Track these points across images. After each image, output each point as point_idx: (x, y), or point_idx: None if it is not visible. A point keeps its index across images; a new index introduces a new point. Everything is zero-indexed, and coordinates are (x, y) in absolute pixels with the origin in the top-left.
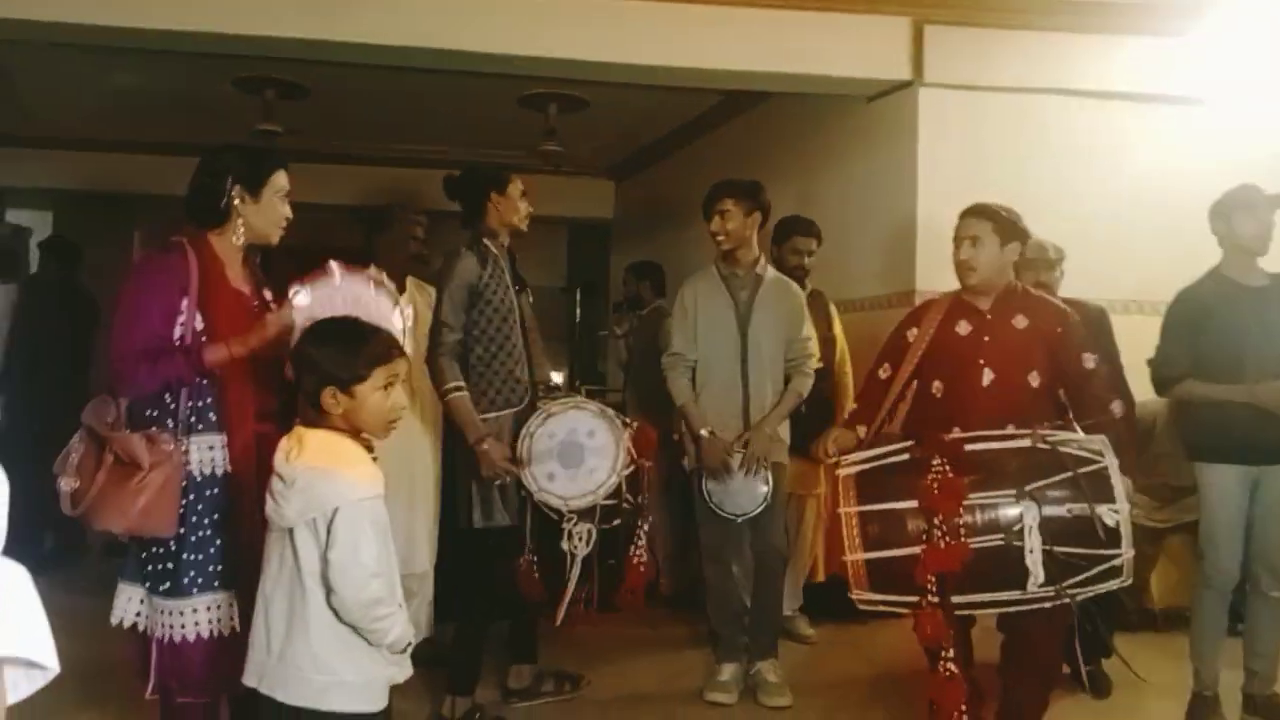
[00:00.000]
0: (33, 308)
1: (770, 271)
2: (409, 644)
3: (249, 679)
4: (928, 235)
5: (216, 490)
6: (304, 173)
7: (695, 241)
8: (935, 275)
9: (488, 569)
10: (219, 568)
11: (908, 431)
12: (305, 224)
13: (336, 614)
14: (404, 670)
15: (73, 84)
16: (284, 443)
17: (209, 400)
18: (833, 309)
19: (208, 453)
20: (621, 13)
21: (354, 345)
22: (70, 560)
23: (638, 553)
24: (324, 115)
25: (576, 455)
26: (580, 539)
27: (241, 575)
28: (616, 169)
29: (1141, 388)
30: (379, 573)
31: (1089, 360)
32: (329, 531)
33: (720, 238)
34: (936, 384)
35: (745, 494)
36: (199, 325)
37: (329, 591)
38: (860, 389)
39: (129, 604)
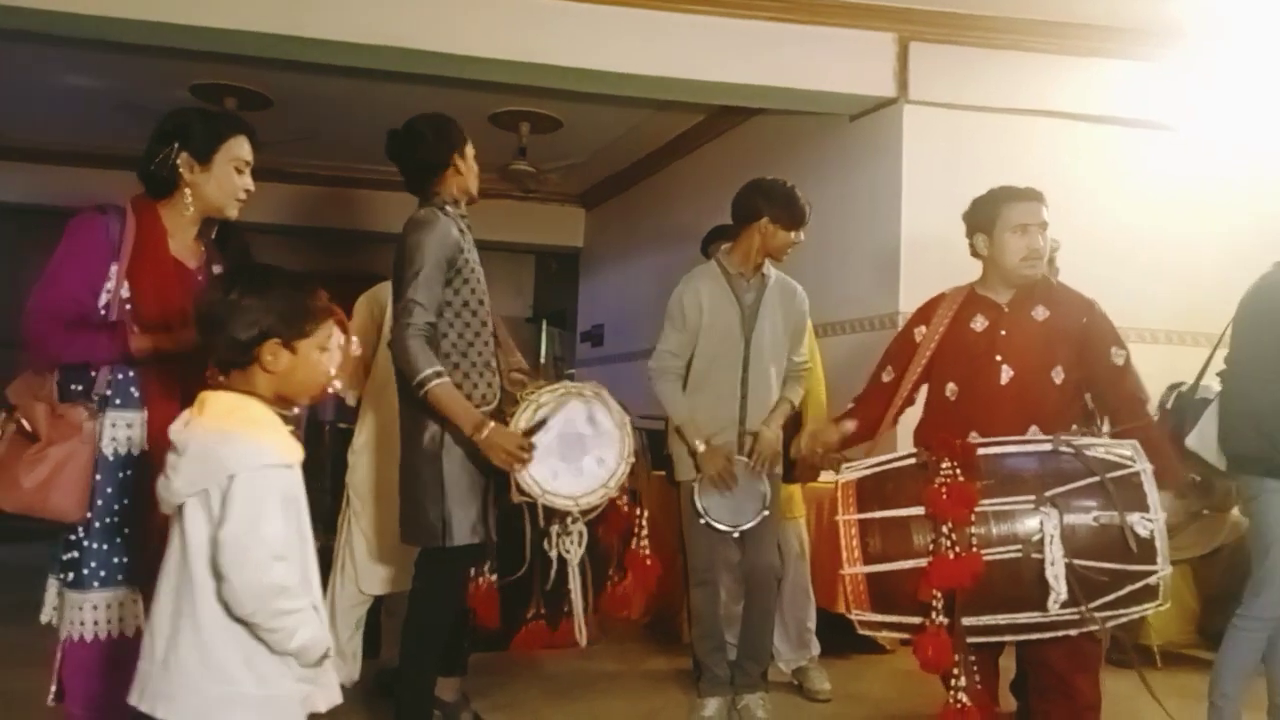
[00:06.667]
0: None
1: (774, 273)
2: (326, 654)
3: (132, 695)
4: (912, 256)
5: (130, 473)
6: (273, 193)
7: (671, 269)
8: (920, 297)
9: (458, 593)
10: (124, 560)
11: (920, 442)
12: (269, 246)
13: (227, 608)
14: (326, 693)
15: (15, 85)
16: (185, 412)
17: (131, 374)
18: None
19: (124, 431)
20: (602, 19)
21: (300, 295)
22: None
23: (642, 548)
24: (288, 128)
25: (579, 446)
26: (575, 541)
27: (151, 572)
28: (587, 195)
29: None
30: (284, 555)
31: (1118, 355)
32: (223, 505)
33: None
34: (950, 386)
35: (744, 503)
36: (125, 294)
37: (220, 579)
38: (860, 393)
39: (48, 599)
